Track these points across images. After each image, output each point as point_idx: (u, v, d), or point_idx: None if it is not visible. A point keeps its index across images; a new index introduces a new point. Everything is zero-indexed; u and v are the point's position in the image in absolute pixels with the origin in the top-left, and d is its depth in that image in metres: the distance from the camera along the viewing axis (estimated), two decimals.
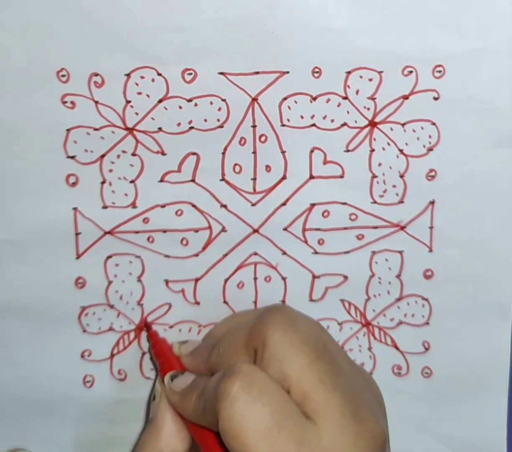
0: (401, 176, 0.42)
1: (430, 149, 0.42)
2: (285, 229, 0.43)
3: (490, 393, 0.46)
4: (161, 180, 0.42)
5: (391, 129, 0.42)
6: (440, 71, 0.41)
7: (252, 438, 0.33)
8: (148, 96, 0.40)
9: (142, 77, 0.40)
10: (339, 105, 0.41)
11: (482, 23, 0.40)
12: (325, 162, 0.42)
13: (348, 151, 0.42)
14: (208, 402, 0.35)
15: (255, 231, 0.43)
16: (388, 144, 0.42)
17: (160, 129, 0.41)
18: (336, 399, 0.34)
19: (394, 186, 0.43)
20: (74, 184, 0.42)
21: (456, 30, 0.40)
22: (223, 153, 0.42)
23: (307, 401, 0.34)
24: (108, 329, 0.44)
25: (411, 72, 0.41)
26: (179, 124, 0.41)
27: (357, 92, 0.41)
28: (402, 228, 0.43)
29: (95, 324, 0.44)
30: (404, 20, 0.40)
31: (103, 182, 0.42)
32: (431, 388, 0.46)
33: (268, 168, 0.42)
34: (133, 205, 0.42)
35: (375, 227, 0.43)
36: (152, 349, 0.43)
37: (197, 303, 0.44)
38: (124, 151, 0.41)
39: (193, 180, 0.42)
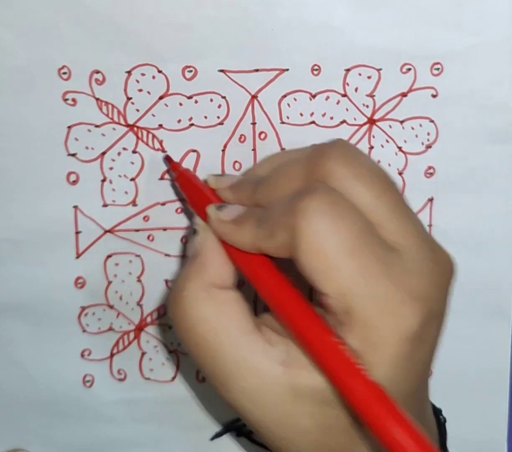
0: (400, 173, 0.43)
1: (428, 147, 0.42)
2: None
3: (491, 393, 0.45)
4: (161, 178, 0.42)
5: (390, 126, 0.42)
6: (438, 69, 0.41)
7: (337, 254, 0.30)
8: (148, 93, 0.41)
9: (143, 74, 0.40)
10: (338, 102, 0.41)
11: (480, 20, 0.40)
12: None
13: None
14: (276, 223, 0.32)
15: None
16: (387, 141, 0.42)
17: (160, 126, 0.41)
18: (411, 227, 0.33)
19: None
20: (74, 182, 0.42)
21: (454, 28, 0.40)
22: (223, 150, 0.42)
23: (382, 230, 0.32)
24: (107, 329, 0.44)
25: (409, 69, 0.41)
26: (179, 121, 0.41)
27: (356, 89, 0.41)
28: None
29: (94, 324, 0.44)
30: (403, 18, 0.40)
31: (103, 180, 0.42)
32: (431, 389, 0.45)
33: None
34: (134, 203, 0.42)
35: None
36: (176, 182, 0.41)
37: None
38: (124, 149, 0.41)
39: None
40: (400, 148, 0.42)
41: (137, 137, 0.41)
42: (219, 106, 0.41)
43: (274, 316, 0.34)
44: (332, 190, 0.32)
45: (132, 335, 0.44)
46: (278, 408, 0.33)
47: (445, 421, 0.40)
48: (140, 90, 0.41)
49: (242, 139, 0.42)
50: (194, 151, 0.42)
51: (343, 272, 0.30)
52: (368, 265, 0.30)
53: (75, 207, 0.42)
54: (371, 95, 0.42)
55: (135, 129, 0.41)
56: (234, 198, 0.37)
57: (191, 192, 0.39)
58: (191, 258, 0.36)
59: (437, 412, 0.39)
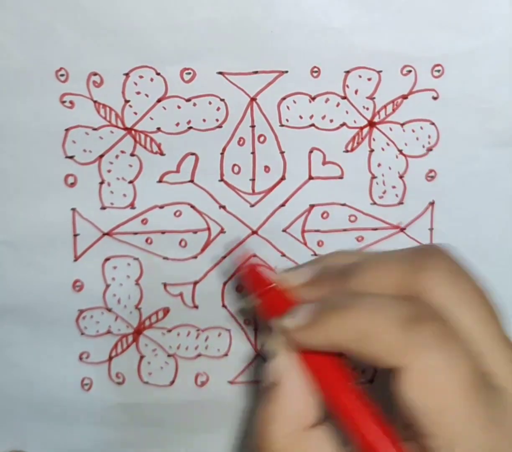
0: (401, 177, 0.42)
1: (429, 149, 0.42)
2: (284, 230, 0.43)
3: None
4: (160, 181, 0.42)
5: (390, 129, 0.42)
6: (439, 71, 0.41)
7: (453, 395, 0.27)
8: (147, 95, 0.40)
9: (141, 77, 0.40)
10: (338, 105, 0.41)
11: (481, 22, 0.40)
12: (324, 162, 0.42)
13: (347, 151, 0.42)
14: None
15: (254, 232, 0.43)
16: (388, 144, 0.42)
17: (158, 129, 0.41)
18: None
19: (393, 187, 0.43)
20: (72, 184, 0.42)
21: (455, 30, 0.40)
22: (222, 154, 0.42)
23: (483, 361, 0.29)
24: (106, 332, 0.44)
25: (410, 71, 0.41)
26: (177, 124, 0.41)
27: (356, 91, 0.41)
28: (402, 229, 0.43)
29: (93, 327, 0.43)
30: (403, 20, 0.40)
31: (101, 183, 0.42)
32: None
33: (267, 168, 0.42)
34: (132, 205, 0.42)
35: (375, 229, 0.43)
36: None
37: (196, 306, 0.44)
38: (122, 151, 0.41)
39: (191, 181, 0.42)
40: (400, 151, 0.42)
41: (135, 141, 0.41)
42: (218, 109, 0.41)
43: None
44: (440, 318, 0.29)
45: (130, 338, 0.44)
46: None
47: None
48: (138, 93, 0.40)
49: (241, 142, 0.41)
50: (192, 154, 0.42)
51: (457, 415, 0.28)
52: (480, 409, 0.28)
53: (73, 209, 0.42)
54: (371, 97, 0.41)
55: (133, 132, 0.41)
56: (313, 297, 0.33)
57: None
58: (268, 391, 0.32)
59: None
